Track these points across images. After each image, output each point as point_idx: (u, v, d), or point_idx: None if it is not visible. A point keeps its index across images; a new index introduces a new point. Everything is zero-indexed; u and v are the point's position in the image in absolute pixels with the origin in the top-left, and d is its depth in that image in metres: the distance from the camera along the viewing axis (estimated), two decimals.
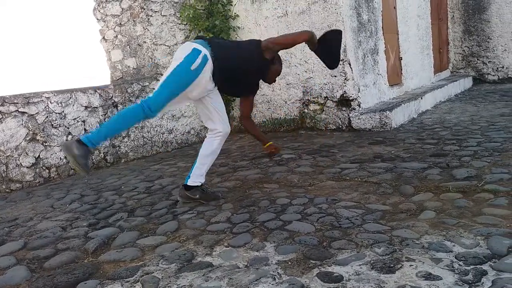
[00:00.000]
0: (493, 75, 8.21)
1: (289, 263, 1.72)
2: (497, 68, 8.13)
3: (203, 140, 2.77)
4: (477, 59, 8.34)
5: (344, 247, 1.80)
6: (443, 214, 2.08)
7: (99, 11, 5.00)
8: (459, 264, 1.56)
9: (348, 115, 4.78)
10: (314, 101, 5.02)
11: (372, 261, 1.65)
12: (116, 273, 1.80)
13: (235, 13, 5.36)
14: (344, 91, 4.77)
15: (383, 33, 5.54)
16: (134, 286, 1.67)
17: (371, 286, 1.46)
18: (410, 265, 1.59)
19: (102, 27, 5.05)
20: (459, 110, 5.45)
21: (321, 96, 4.95)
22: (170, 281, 1.68)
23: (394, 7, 5.92)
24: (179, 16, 5.03)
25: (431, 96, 6.00)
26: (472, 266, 1.53)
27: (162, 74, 4.82)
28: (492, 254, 1.61)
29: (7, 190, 3.59)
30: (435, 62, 7.62)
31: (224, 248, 1.95)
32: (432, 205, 2.21)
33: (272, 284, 1.56)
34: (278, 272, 1.65)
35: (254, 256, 1.82)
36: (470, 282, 1.43)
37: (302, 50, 4.96)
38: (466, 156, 3.09)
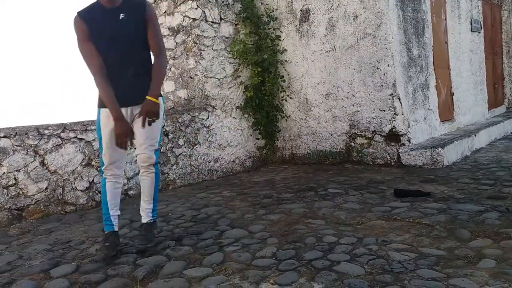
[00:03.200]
0: None
1: None
2: None
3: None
4: None
5: None
6: (505, 263, 1.95)
7: None
8: None
9: (397, 150, 4.65)
10: (361, 134, 4.95)
11: None
12: None
13: (283, 48, 5.48)
14: (393, 126, 4.67)
15: (434, 68, 5.43)
16: None
17: None
18: None
19: None
20: None
21: (368, 130, 4.88)
22: None
23: (446, 42, 5.82)
24: (229, 50, 5.20)
25: (486, 133, 5.74)
26: None
27: (211, 105, 4.98)
28: None
29: (62, 212, 3.77)
30: (489, 98, 7.32)
31: (270, 285, 1.93)
32: (492, 253, 2.07)
33: None
34: None
35: None
36: None
37: (349, 84, 4.95)
38: None
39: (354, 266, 2.04)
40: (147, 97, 2.35)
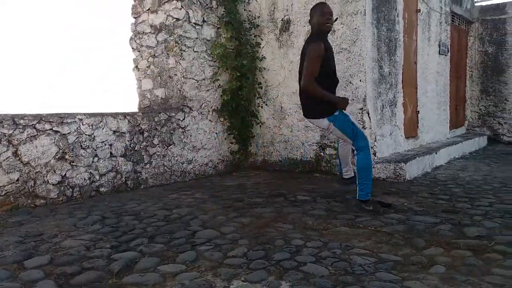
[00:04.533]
0: (509, 136, 8.30)
1: None
2: None
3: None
4: (493, 119, 8.46)
5: None
6: (453, 270, 2.16)
7: (135, 41, 5.32)
8: None
9: None
10: (330, 145, 5.17)
11: None
12: None
13: (262, 55, 5.64)
14: None
15: (402, 87, 5.74)
16: None
17: None
18: None
19: (136, 56, 5.35)
20: (473, 168, 5.53)
21: (338, 141, 5.09)
22: None
23: (415, 62, 6.16)
24: (210, 53, 5.31)
25: (446, 152, 6.10)
26: None
27: (188, 106, 5.06)
28: None
29: (31, 205, 3.75)
30: (451, 118, 7.77)
31: (241, 282, 2.05)
32: (443, 260, 2.29)
33: None
34: None
35: None
36: None
37: None
38: (477, 215, 3.17)
39: (319, 267, 2.20)
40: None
